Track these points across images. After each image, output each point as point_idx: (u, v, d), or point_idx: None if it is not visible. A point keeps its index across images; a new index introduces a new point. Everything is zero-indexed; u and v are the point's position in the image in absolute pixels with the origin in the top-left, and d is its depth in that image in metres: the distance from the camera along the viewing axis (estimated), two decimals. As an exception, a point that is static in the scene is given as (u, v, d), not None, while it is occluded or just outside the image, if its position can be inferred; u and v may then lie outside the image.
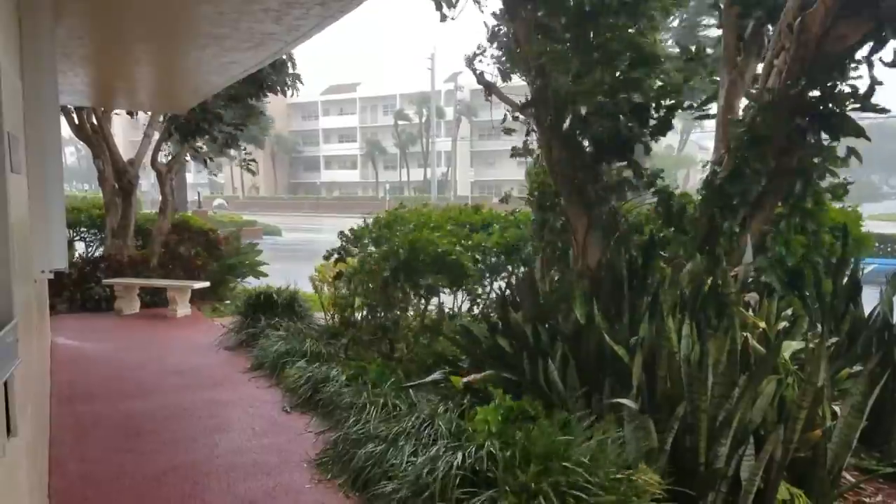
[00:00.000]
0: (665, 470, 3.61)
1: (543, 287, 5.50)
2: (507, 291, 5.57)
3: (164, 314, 10.30)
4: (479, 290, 7.25)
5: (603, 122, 5.09)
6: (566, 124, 5.16)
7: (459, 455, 3.61)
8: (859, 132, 4.80)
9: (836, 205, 6.57)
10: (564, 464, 3.35)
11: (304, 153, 79.14)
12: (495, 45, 6.21)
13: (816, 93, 4.84)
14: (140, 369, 7.18)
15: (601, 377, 4.15)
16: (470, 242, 8.32)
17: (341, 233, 7.74)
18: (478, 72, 6.76)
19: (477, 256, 8.27)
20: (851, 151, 4.97)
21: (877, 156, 79.68)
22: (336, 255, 7.57)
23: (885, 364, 4.73)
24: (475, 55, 6.60)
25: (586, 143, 5.38)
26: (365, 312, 7.41)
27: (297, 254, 21.84)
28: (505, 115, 6.47)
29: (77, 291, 10.79)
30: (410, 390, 5.17)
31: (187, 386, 6.55)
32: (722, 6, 5.26)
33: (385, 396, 5.06)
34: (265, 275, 12.04)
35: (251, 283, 12.06)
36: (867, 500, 4.29)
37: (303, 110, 76.73)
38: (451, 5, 6.03)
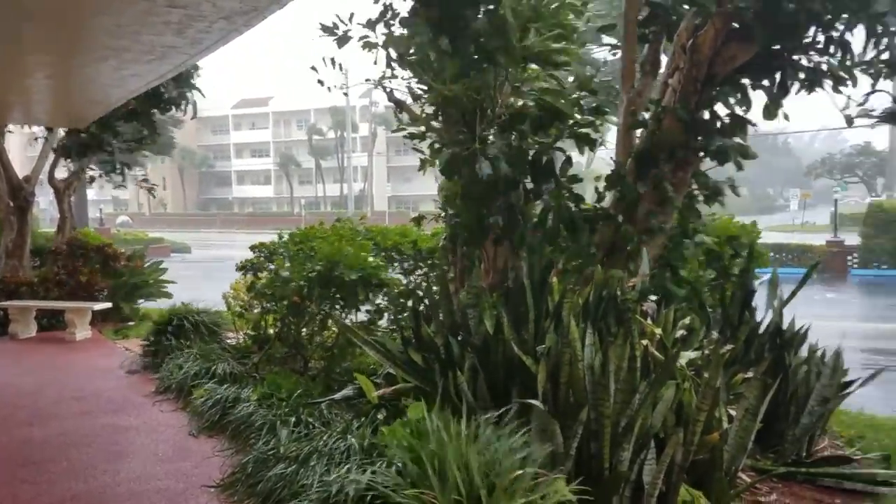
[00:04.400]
0: (571, 475, 3.71)
1: (457, 300, 5.57)
2: (421, 306, 5.61)
3: (62, 337, 9.79)
4: (399, 299, 7.21)
5: (506, 141, 5.24)
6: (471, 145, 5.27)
7: (369, 472, 3.60)
8: (745, 155, 5.17)
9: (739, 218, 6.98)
10: (471, 471, 3.39)
11: (215, 168, 77.08)
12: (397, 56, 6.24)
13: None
14: (37, 395, 6.81)
15: (509, 386, 4.23)
16: (390, 243, 8.30)
17: (254, 247, 7.60)
18: (388, 89, 6.80)
19: (394, 255, 8.26)
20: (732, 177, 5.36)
21: (772, 170, 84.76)
22: (250, 269, 7.43)
23: (777, 368, 5.04)
24: (384, 75, 6.63)
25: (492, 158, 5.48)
26: (278, 329, 7.28)
27: (207, 271, 21.23)
28: (402, 136, 6.52)
29: (-32, 316, 10.13)
30: (324, 407, 5.12)
31: (87, 412, 6.25)
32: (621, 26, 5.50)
33: (297, 415, 4.99)
34: (169, 295, 11.64)
35: (157, 303, 11.66)
36: (762, 499, 4.52)
37: (212, 124, 74.65)
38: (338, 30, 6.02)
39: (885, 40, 4.88)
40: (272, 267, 7.24)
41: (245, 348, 7.46)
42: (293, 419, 4.93)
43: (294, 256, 6.99)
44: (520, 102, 5.92)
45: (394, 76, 6.59)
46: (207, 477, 4.67)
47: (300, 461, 4.18)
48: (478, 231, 5.81)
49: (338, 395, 5.26)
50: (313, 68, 6.25)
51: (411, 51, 5.82)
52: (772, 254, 21.55)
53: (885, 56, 5.00)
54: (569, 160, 5.87)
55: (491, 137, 5.65)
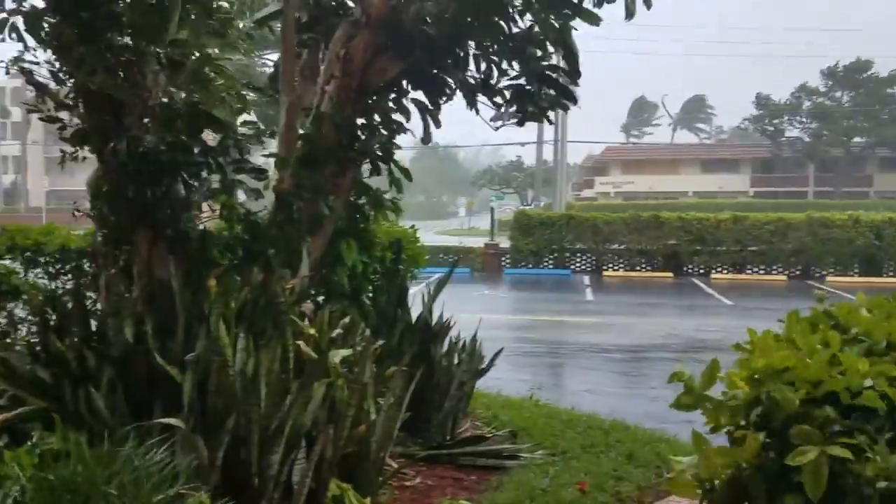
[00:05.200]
0: (218, 486, 3.59)
1: (105, 308, 5.07)
2: (53, 314, 4.98)
3: None
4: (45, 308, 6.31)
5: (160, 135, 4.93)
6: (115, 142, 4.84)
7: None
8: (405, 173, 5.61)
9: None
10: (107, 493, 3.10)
11: None
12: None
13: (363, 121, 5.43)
14: None
15: (153, 400, 3.96)
16: (30, 242, 7.21)
17: None
18: (27, 70, 5.95)
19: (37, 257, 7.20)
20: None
21: (445, 179, 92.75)
22: None
23: (423, 359, 5.48)
24: (21, 54, 5.78)
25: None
26: None
27: None
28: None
29: None
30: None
31: None
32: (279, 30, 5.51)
33: None
34: None
35: None
36: (408, 483, 4.87)
37: None
38: None
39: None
40: None
41: None
42: None
43: None
44: (183, 95, 5.60)
45: (35, 57, 5.80)
46: None
47: None
48: (127, 230, 5.36)
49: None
50: None
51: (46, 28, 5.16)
52: (441, 255, 23.58)
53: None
54: (242, 160, 5.70)
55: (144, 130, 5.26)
